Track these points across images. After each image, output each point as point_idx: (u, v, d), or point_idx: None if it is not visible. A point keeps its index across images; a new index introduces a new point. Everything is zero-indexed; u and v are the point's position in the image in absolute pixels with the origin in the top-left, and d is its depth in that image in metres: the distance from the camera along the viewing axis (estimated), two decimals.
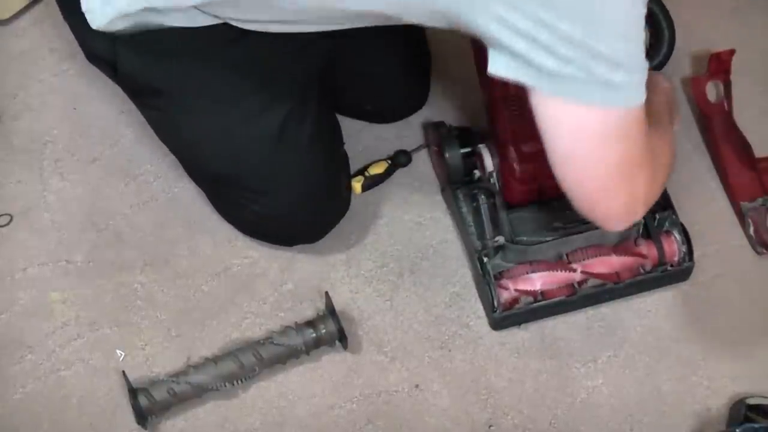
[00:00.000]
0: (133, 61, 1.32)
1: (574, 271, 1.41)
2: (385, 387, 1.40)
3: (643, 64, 1.05)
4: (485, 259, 1.40)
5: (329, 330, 1.39)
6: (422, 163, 1.58)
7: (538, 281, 1.40)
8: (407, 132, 1.61)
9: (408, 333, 1.44)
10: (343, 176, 1.49)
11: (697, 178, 1.56)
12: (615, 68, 1.02)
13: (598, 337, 1.43)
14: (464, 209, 1.47)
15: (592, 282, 1.43)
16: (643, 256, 1.42)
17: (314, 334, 1.39)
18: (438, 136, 1.49)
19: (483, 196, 1.43)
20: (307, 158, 1.39)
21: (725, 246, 1.50)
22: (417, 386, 1.40)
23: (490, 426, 1.37)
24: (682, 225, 1.44)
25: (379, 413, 1.38)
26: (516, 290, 1.40)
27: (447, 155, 1.46)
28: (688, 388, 1.39)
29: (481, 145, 1.45)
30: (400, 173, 1.57)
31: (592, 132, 1.07)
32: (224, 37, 1.28)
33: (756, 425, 1.27)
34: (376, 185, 1.56)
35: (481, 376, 1.41)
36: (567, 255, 1.42)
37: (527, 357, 1.42)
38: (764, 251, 1.49)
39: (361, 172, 1.55)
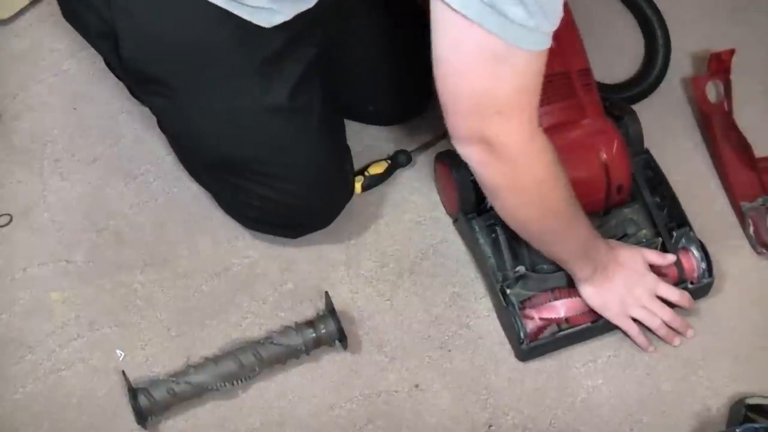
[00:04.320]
0: (133, 46, 1.33)
1: None
2: (385, 387, 1.40)
3: (549, 17, 1.08)
4: (508, 291, 1.39)
5: (329, 330, 1.39)
6: (422, 163, 1.58)
7: (561, 308, 1.39)
8: (407, 132, 1.61)
9: (408, 333, 1.44)
10: (348, 166, 1.50)
11: (697, 178, 1.56)
12: (516, 3, 1.05)
13: (598, 336, 1.43)
14: (481, 240, 1.44)
15: None
16: (663, 274, 1.41)
17: (314, 334, 1.39)
18: (447, 165, 1.46)
19: (500, 227, 1.42)
20: (316, 137, 1.39)
21: (725, 246, 1.49)
22: (417, 386, 1.40)
23: (490, 426, 1.37)
24: (699, 241, 1.43)
25: (379, 413, 1.38)
26: (541, 319, 1.39)
27: (458, 184, 1.43)
28: (688, 388, 1.39)
29: None
30: (400, 173, 1.57)
31: (469, 50, 1.10)
32: (228, 21, 1.29)
33: (756, 425, 1.27)
34: (376, 185, 1.56)
35: (481, 376, 1.41)
36: None
37: None
38: (764, 251, 1.49)
39: (361, 172, 1.55)
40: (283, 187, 1.40)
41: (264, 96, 1.34)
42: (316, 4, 1.29)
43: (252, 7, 1.27)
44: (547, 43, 1.11)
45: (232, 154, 1.39)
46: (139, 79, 1.39)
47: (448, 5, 1.06)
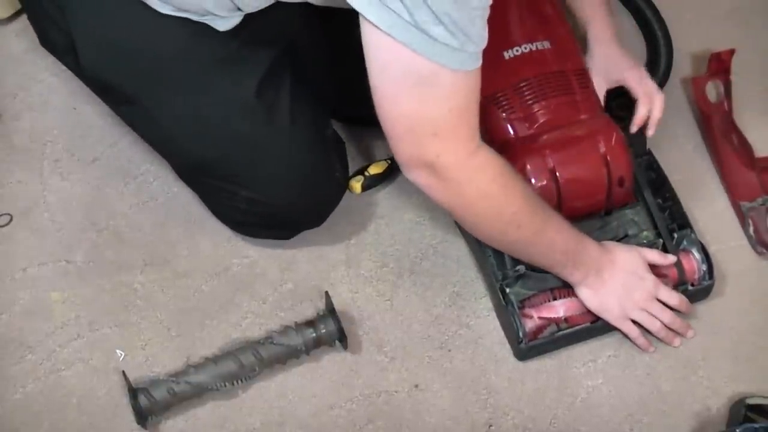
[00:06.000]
0: (89, 54, 1.33)
1: None
2: (385, 387, 1.40)
3: (472, 38, 1.09)
4: (507, 289, 1.39)
5: (329, 330, 1.39)
6: None
7: (561, 308, 1.39)
8: None
9: (408, 333, 1.44)
10: (334, 156, 1.47)
11: (697, 178, 1.57)
12: (436, 22, 1.06)
13: (598, 337, 1.43)
14: None
15: None
16: (663, 275, 1.41)
17: (314, 334, 1.39)
18: None
19: None
20: (289, 132, 1.38)
21: (725, 246, 1.49)
22: (417, 386, 1.40)
23: (490, 426, 1.37)
24: (700, 243, 1.43)
25: (379, 413, 1.38)
26: (540, 318, 1.39)
27: None
28: (688, 388, 1.39)
29: None
30: (400, 173, 1.57)
31: (396, 74, 1.11)
32: (182, 25, 1.29)
33: (756, 425, 1.27)
34: (376, 185, 1.56)
35: (481, 376, 1.40)
36: None
37: None
38: (764, 251, 1.49)
39: (361, 172, 1.55)
40: (263, 185, 1.39)
41: (230, 93, 1.34)
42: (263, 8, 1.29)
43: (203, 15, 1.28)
44: (474, 63, 1.12)
45: (205, 156, 1.38)
46: (101, 88, 1.39)
47: (377, 27, 1.08)
